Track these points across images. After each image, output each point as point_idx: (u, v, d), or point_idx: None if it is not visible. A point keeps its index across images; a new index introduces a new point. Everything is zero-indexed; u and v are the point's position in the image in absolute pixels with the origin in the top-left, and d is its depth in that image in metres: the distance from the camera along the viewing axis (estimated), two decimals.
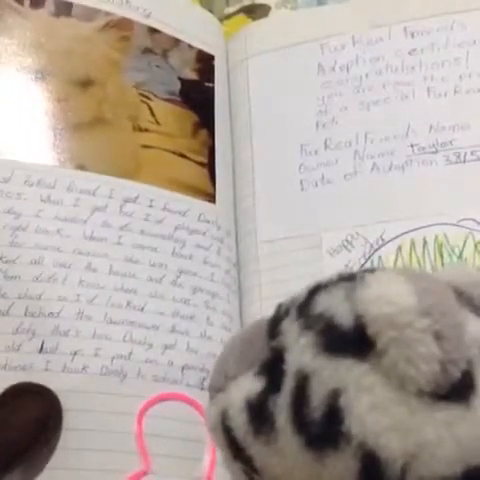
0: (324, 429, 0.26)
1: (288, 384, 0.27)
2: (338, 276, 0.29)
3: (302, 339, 0.27)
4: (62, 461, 0.39)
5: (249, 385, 0.29)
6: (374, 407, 0.25)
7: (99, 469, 0.40)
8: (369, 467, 0.25)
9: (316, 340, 0.27)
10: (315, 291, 0.29)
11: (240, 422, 0.29)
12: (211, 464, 0.42)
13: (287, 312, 0.30)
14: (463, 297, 0.28)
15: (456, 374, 0.24)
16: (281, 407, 0.27)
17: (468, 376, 0.25)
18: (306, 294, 0.29)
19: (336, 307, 0.27)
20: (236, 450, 0.29)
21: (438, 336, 0.24)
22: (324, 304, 0.28)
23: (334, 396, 0.26)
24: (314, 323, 0.27)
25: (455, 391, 0.24)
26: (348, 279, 0.28)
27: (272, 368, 0.28)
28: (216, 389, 0.31)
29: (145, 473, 0.40)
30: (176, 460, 0.41)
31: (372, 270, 0.28)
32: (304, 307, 0.29)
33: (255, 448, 0.28)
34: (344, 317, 0.26)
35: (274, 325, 0.30)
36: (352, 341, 0.25)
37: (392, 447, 0.25)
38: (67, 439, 0.39)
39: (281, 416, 0.27)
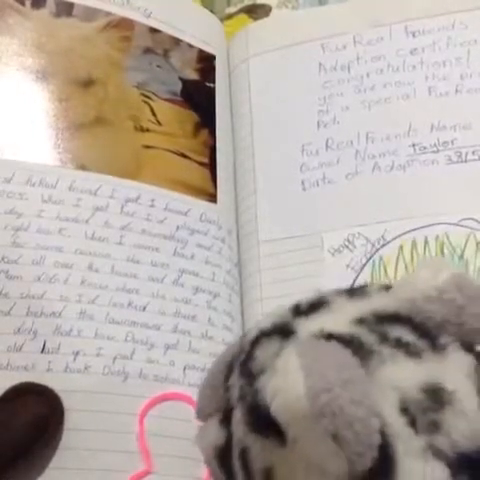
0: None
1: (235, 448, 0.27)
2: (274, 324, 0.28)
3: (238, 409, 0.27)
4: (64, 461, 0.39)
5: (216, 432, 0.29)
6: None
7: (101, 469, 0.40)
8: None
9: (246, 416, 0.27)
10: (256, 342, 0.28)
11: (215, 467, 0.29)
12: None
13: (239, 356, 0.29)
14: (408, 324, 0.27)
15: (366, 462, 0.24)
16: (236, 465, 0.28)
17: (386, 451, 0.24)
18: (249, 344, 0.29)
19: (262, 379, 0.26)
20: None
21: (335, 437, 0.23)
22: (258, 364, 0.27)
23: (268, 472, 0.26)
24: (246, 392, 0.27)
25: (374, 471, 0.24)
26: (282, 330, 0.28)
27: (229, 422, 0.28)
28: (201, 417, 0.31)
29: (147, 473, 0.40)
30: (178, 460, 0.41)
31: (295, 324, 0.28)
32: (245, 364, 0.28)
33: None
34: (263, 397, 0.26)
35: (228, 373, 0.30)
36: (271, 423, 0.25)
37: None
38: (69, 439, 0.39)
39: (238, 472, 0.28)
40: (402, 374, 0.25)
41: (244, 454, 0.27)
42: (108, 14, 0.53)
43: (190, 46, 0.56)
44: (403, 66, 0.54)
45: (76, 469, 0.39)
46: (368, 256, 0.48)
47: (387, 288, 0.29)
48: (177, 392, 0.43)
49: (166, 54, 0.54)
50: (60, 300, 0.42)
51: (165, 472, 0.41)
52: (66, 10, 0.51)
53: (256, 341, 0.28)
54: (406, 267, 0.47)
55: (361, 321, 0.27)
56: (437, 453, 0.24)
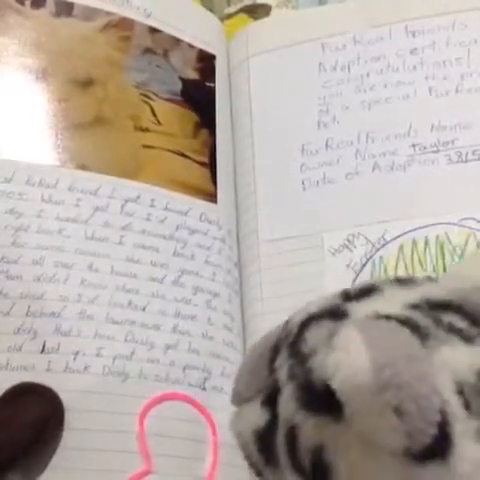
0: (314, 477, 0.27)
1: (281, 427, 0.27)
2: (323, 308, 0.29)
3: (287, 388, 0.27)
4: (64, 461, 0.39)
5: (257, 415, 0.29)
6: (352, 467, 0.25)
7: (101, 469, 0.40)
8: None
9: (297, 394, 0.27)
10: (305, 325, 0.28)
11: (252, 449, 0.29)
12: (213, 464, 0.42)
13: (286, 338, 0.29)
14: (459, 312, 0.27)
15: (426, 439, 0.24)
16: (280, 445, 0.28)
17: (444, 429, 0.24)
18: (298, 327, 0.29)
19: (316, 359, 0.27)
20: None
21: (398, 411, 0.23)
22: (309, 346, 0.28)
23: (318, 451, 0.26)
24: (297, 371, 0.27)
25: (431, 450, 0.24)
26: (333, 314, 0.28)
27: (273, 403, 0.28)
28: (238, 401, 0.31)
29: (147, 473, 0.40)
30: (178, 460, 0.41)
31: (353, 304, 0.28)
32: (294, 345, 0.28)
33: (266, 473, 0.29)
34: (319, 373, 0.26)
35: (273, 356, 0.30)
36: (326, 399, 0.25)
37: None
38: (69, 439, 0.39)
39: (281, 453, 0.28)
40: (457, 357, 0.25)
41: (292, 433, 0.27)
42: (108, 14, 0.53)
43: (190, 46, 0.56)
44: (403, 66, 0.54)
45: (76, 469, 0.39)
46: (368, 256, 0.48)
47: (432, 280, 0.30)
48: (177, 392, 0.43)
49: (166, 54, 0.54)
50: (60, 300, 0.42)
51: (165, 472, 0.41)
52: (66, 10, 0.51)
53: (305, 324, 0.28)
54: (406, 267, 0.47)
55: (414, 306, 0.27)
56: None
